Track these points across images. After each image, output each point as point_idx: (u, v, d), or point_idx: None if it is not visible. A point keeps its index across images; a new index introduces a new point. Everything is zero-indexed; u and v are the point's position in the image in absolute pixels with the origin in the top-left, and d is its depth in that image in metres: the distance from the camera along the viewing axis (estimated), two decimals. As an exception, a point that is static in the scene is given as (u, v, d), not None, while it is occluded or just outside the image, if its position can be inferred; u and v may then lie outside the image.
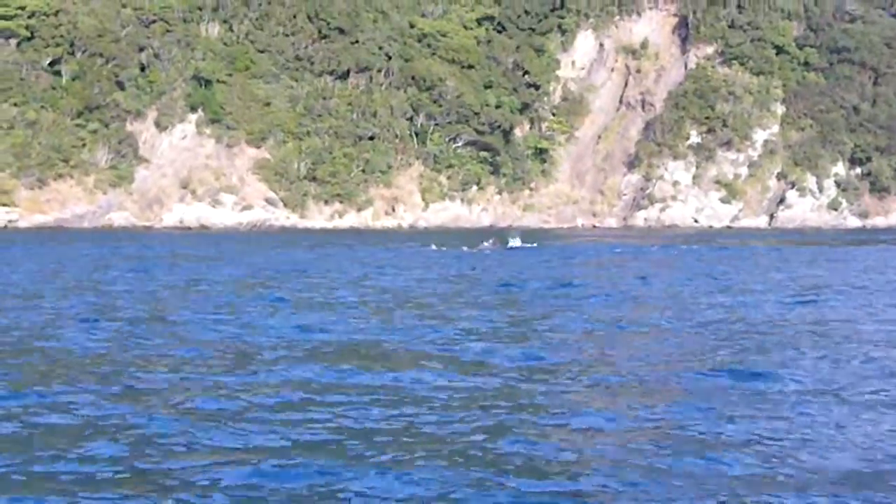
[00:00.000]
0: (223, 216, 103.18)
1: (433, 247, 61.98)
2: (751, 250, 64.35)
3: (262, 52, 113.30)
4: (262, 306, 27.49)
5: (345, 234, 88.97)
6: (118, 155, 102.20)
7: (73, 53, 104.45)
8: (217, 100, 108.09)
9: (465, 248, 60.09)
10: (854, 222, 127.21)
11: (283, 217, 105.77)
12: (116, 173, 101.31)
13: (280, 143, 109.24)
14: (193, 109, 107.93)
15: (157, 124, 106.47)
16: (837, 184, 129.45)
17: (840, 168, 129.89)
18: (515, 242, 65.10)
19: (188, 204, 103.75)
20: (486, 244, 61.65)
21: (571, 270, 43.96)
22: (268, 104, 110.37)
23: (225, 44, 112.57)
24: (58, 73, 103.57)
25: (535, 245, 66.10)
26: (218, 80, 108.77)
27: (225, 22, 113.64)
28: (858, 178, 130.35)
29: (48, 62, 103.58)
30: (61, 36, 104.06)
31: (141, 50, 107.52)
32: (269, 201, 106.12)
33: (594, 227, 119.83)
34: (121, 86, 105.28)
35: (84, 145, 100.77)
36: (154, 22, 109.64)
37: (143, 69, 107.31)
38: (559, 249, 63.42)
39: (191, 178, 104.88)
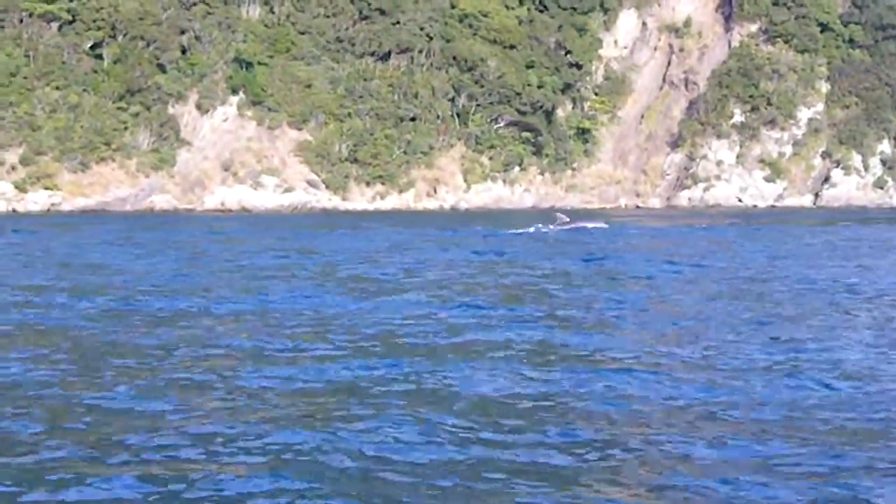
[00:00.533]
0: (265, 198, 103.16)
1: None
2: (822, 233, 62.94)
3: (302, 33, 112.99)
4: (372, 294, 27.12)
5: (390, 216, 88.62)
6: (160, 138, 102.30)
7: (114, 37, 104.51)
8: (258, 82, 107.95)
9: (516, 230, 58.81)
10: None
11: (324, 199, 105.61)
12: (158, 156, 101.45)
13: (321, 124, 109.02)
14: (235, 92, 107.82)
15: (199, 107, 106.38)
16: (883, 162, 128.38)
17: (885, 146, 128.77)
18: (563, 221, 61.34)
19: (230, 186, 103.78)
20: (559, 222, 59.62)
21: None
22: (309, 86, 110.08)
23: (266, 25, 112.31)
24: (99, 57, 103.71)
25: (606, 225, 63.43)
26: (259, 62, 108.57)
27: (266, 4, 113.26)
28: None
29: (90, 45, 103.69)
30: (103, 19, 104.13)
31: (182, 33, 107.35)
32: (310, 183, 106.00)
33: (637, 207, 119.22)
34: (162, 69, 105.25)
35: (126, 128, 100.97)
36: (195, 4, 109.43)
37: (184, 52, 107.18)
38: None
39: (232, 160, 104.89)
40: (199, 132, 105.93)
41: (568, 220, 59.77)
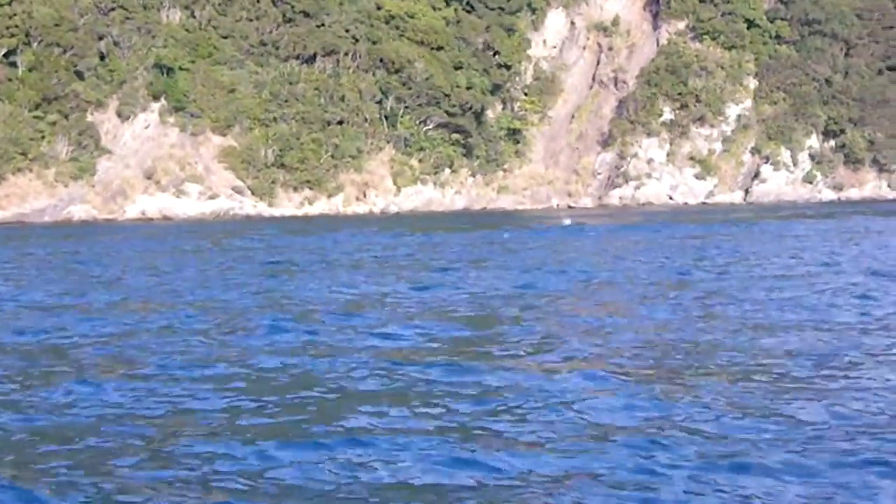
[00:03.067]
0: (187, 206, 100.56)
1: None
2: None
3: (225, 37, 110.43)
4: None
5: (323, 221, 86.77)
6: (79, 146, 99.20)
7: (28, 44, 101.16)
8: (180, 87, 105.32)
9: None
10: (829, 195, 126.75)
11: (249, 206, 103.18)
12: (78, 165, 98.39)
13: (246, 130, 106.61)
14: (156, 98, 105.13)
15: (119, 114, 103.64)
16: (811, 157, 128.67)
17: (814, 141, 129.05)
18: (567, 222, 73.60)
19: (151, 195, 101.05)
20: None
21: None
22: (233, 91, 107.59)
23: (187, 30, 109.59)
24: (13, 65, 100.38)
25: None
26: (180, 68, 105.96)
27: (186, 8, 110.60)
28: (832, 150, 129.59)
29: (3, 53, 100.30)
30: (16, 26, 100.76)
31: (100, 38, 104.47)
32: (236, 190, 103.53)
33: (570, 207, 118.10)
34: (80, 76, 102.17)
35: (43, 138, 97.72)
36: (113, 9, 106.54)
37: (102, 58, 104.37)
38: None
39: (155, 168, 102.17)
40: (119, 140, 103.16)
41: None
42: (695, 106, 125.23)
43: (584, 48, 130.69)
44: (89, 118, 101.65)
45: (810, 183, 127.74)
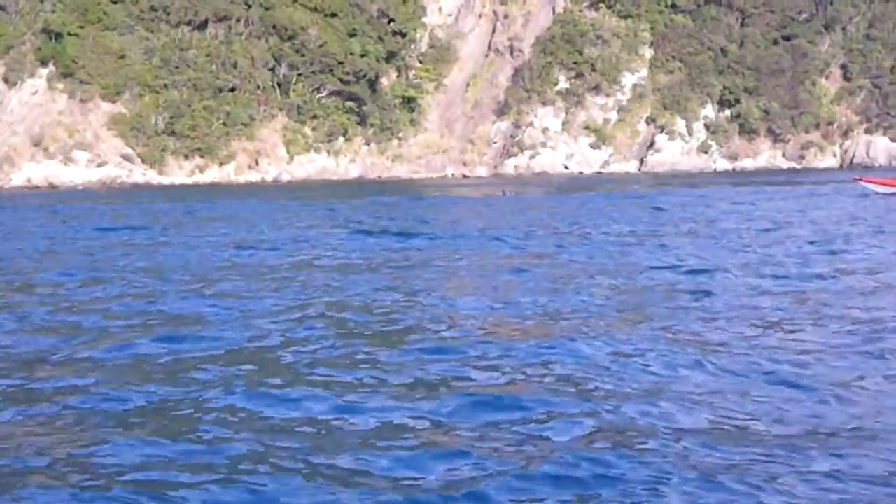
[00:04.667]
0: (75, 174, 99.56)
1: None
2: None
3: (115, 2, 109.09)
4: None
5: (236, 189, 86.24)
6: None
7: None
8: (69, 53, 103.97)
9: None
10: (724, 165, 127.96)
11: (138, 173, 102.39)
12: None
13: (136, 96, 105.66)
14: (44, 64, 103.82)
15: (6, 80, 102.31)
16: (707, 126, 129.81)
17: (709, 110, 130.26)
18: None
19: (39, 162, 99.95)
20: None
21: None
22: (122, 57, 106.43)
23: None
24: None
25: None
26: (69, 33, 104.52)
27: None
28: (727, 120, 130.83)
29: None
30: None
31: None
32: (125, 157, 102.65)
33: (464, 176, 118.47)
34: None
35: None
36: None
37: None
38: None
39: (43, 135, 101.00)
40: (6, 106, 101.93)
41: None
42: (590, 75, 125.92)
43: (479, 16, 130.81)
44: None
45: (705, 153, 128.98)
